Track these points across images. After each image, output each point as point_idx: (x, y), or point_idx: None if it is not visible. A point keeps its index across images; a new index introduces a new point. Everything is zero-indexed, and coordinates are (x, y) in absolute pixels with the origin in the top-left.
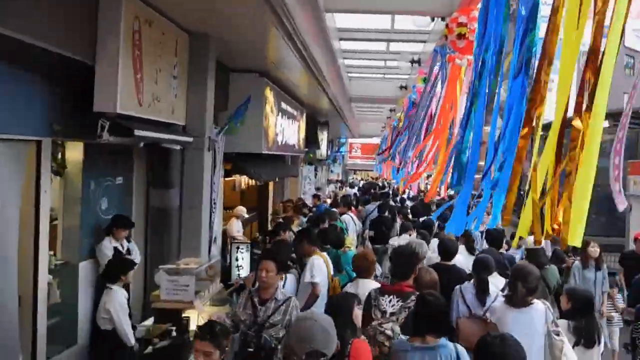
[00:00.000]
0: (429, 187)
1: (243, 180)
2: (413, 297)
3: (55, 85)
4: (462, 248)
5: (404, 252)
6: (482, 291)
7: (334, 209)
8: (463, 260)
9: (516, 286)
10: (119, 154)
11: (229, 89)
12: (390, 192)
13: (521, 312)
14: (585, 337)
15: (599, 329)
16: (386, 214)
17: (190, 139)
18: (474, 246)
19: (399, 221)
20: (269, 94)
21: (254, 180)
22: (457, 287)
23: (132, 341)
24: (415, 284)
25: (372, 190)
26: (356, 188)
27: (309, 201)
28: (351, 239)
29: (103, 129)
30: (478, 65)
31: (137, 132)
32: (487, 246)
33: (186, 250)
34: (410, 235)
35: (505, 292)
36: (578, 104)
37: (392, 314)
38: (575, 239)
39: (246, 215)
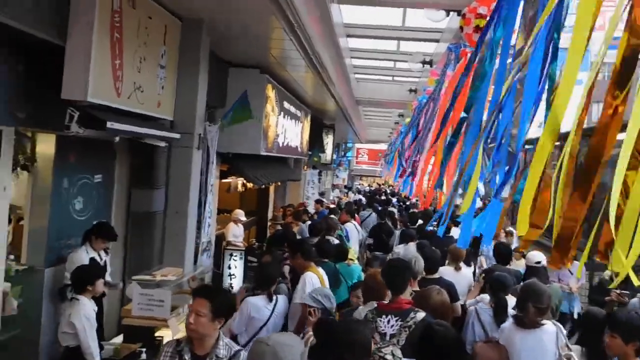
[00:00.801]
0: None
1: (240, 183)
2: (412, 314)
3: (19, 68)
4: None
5: (396, 264)
6: (500, 312)
7: (333, 216)
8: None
9: (526, 306)
10: (98, 149)
11: (227, 85)
12: (396, 198)
13: (530, 333)
14: None
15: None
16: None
17: (177, 135)
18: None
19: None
20: (271, 92)
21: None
22: (473, 307)
23: None
24: (421, 305)
25: (376, 197)
26: (362, 194)
27: (311, 207)
28: (354, 251)
29: (72, 119)
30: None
31: (110, 125)
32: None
33: (169, 259)
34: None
35: (515, 311)
36: None
37: (392, 335)
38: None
39: (244, 219)
